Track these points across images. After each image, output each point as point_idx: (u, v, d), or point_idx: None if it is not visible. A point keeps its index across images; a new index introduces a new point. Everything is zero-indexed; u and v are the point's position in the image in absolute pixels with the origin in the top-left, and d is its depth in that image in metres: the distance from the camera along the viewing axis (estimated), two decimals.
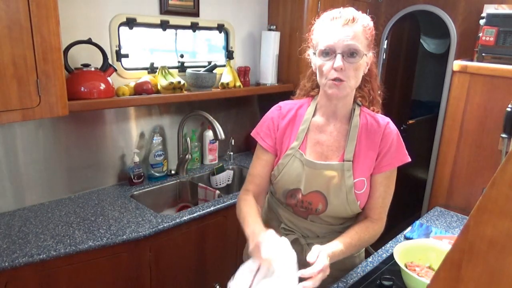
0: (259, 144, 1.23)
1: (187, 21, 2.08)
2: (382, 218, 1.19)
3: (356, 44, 1.03)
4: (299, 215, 1.21)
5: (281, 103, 1.25)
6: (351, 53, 1.04)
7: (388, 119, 1.19)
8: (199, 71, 2.09)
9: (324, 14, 1.10)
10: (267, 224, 1.25)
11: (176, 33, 2.12)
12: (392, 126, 1.17)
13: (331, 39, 1.04)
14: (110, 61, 1.80)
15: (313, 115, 1.20)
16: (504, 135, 1.69)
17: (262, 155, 1.23)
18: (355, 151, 1.14)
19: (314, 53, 1.11)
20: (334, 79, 1.05)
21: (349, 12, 1.07)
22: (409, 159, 1.17)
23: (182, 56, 2.15)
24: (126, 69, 1.93)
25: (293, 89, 1.91)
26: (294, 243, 1.13)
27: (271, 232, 1.00)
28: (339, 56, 1.03)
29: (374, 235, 1.17)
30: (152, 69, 2.02)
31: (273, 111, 1.24)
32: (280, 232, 1.20)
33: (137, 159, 2.00)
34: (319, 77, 1.11)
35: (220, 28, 2.22)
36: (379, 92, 1.23)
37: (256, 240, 0.99)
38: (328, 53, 1.05)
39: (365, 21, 1.08)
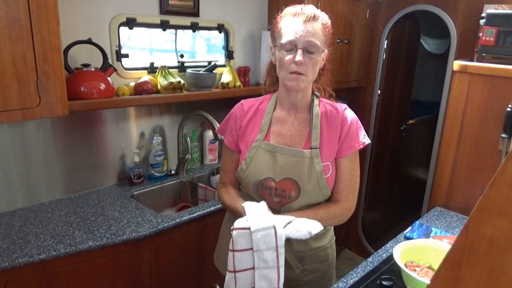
0: (225, 142, 1.31)
1: (187, 21, 2.08)
2: (350, 200, 1.23)
3: (315, 41, 1.10)
4: (271, 209, 1.22)
5: (243, 101, 1.31)
6: (310, 49, 1.11)
7: (345, 105, 1.25)
8: (199, 71, 2.09)
9: (287, 9, 1.16)
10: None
11: (176, 33, 2.12)
12: (350, 111, 1.24)
13: (293, 35, 1.10)
14: (110, 61, 1.80)
15: (274, 109, 1.26)
16: (504, 135, 1.69)
17: (229, 152, 1.31)
18: (319, 138, 1.20)
19: (276, 46, 1.16)
20: (294, 72, 1.11)
21: (311, 9, 1.13)
22: (369, 141, 1.23)
23: (182, 56, 2.15)
24: (126, 69, 1.93)
25: None
26: None
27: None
28: (299, 51, 1.09)
29: (343, 213, 1.22)
30: (152, 69, 2.02)
31: (236, 109, 1.30)
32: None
33: (137, 159, 2.00)
34: (279, 70, 1.17)
35: (220, 28, 2.22)
36: (330, 88, 1.31)
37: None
38: (289, 47, 1.11)
39: (324, 19, 1.15)
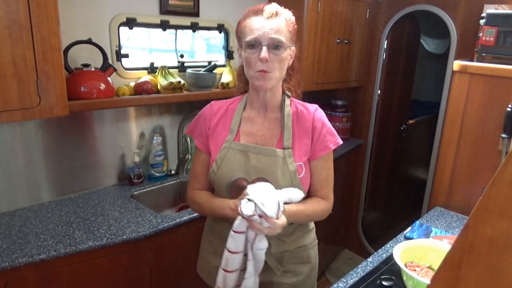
0: (195, 143, 1.27)
1: (187, 21, 2.08)
2: (329, 198, 1.24)
3: (279, 37, 1.09)
4: None
5: (212, 102, 1.29)
6: (275, 46, 1.09)
7: (316, 106, 1.24)
8: (199, 71, 2.09)
9: (250, 9, 1.16)
10: (214, 235, 1.30)
11: (176, 33, 2.12)
12: (320, 111, 1.24)
13: (256, 32, 1.09)
14: (110, 61, 1.80)
15: (244, 109, 1.24)
16: (504, 135, 1.69)
17: (200, 154, 1.27)
18: (291, 138, 1.19)
19: (241, 46, 1.15)
20: (260, 71, 1.10)
21: (272, 6, 1.13)
22: (341, 142, 1.23)
23: (182, 56, 2.15)
24: (126, 69, 1.93)
25: None
26: None
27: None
28: (264, 48, 1.08)
29: (324, 210, 1.22)
30: (152, 69, 2.02)
31: (205, 109, 1.28)
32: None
33: (137, 159, 2.00)
34: (246, 69, 1.15)
35: (220, 28, 2.22)
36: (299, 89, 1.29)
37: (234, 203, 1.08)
38: (254, 45, 1.10)
39: (287, 15, 1.14)
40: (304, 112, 1.21)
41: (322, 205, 1.22)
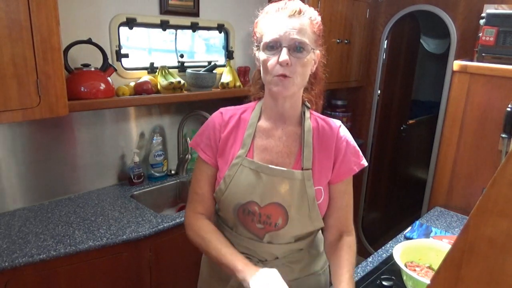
0: (200, 157, 1.10)
1: (187, 21, 2.08)
2: (353, 231, 1.12)
3: (302, 38, 0.95)
4: (254, 236, 1.06)
5: (222, 109, 1.13)
6: (298, 48, 0.95)
7: (340, 122, 1.11)
8: (199, 71, 2.09)
9: (269, 6, 1.02)
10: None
11: (176, 33, 2.13)
12: (344, 129, 1.10)
13: (276, 32, 0.95)
14: (110, 61, 1.80)
15: (259, 119, 1.08)
16: (504, 135, 1.69)
17: (206, 170, 1.09)
18: (312, 158, 1.05)
19: (258, 47, 1.01)
20: (279, 75, 0.95)
21: (296, 3, 0.99)
22: (366, 163, 1.09)
23: (182, 56, 2.15)
24: (126, 69, 1.93)
25: None
26: None
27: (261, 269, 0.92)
28: (284, 50, 0.94)
29: (355, 251, 1.09)
30: (152, 69, 2.02)
31: (214, 118, 1.11)
32: None
33: (137, 159, 2.00)
34: (263, 74, 1.00)
35: (220, 28, 2.22)
36: (321, 101, 1.15)
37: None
38: (273, 46, 0.96)
39: (312, 14, 1.00)
40: (326, 128, 1.07)
41: (354, 248, 1.07)
